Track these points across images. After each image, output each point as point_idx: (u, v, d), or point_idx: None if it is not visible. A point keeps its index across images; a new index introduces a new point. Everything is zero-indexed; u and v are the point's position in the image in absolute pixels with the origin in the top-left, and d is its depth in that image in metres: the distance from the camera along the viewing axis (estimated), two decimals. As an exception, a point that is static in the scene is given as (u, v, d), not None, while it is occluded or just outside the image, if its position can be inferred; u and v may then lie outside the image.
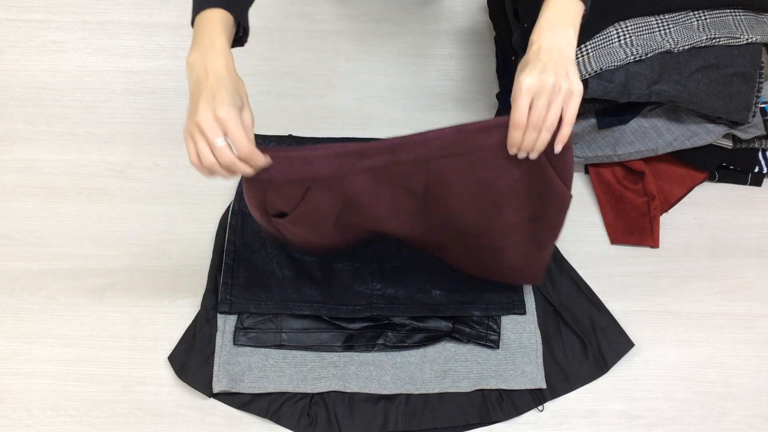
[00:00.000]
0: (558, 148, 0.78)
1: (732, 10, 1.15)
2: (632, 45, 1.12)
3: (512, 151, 0.79)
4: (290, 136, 1.30)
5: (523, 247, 0.97)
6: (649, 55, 1.12)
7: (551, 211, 0.90)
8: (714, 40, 1.13)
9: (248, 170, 0.75)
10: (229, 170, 0.73)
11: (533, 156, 0.79)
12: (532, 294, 1.15)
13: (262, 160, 0.75)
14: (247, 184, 0.81)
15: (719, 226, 1.25)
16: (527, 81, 0.74)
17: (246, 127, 0.73)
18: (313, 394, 1.08)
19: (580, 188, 1.29)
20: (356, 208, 0.86)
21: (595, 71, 1.11)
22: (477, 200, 0.85)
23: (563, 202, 0.88)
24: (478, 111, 1.37)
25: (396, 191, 0.85)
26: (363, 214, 0.87)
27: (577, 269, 1.19)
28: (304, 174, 0.80)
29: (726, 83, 1.14)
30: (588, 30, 1.14)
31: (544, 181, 0.84)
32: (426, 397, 1.08)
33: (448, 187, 0.84)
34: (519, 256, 1.00)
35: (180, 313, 1.16)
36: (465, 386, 1.08)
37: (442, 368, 1.09)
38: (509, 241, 0.94)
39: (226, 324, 1.11)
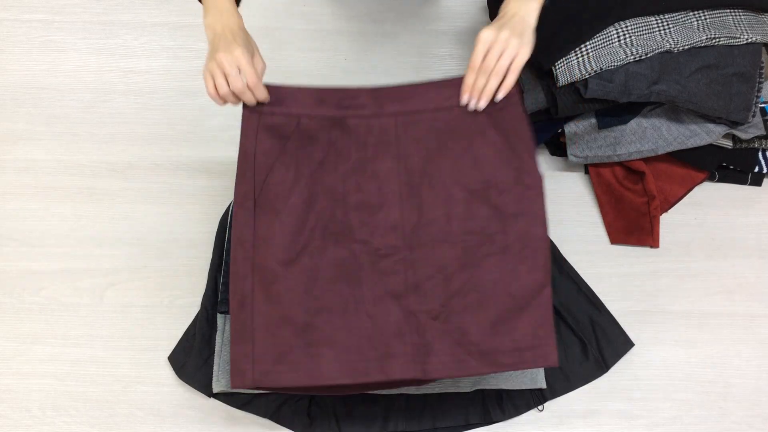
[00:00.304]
0: (500, 94, 0.91)
1: (732, 10, 1.16)
2: (632, 45, 1.12)
3: (464, 97, 0.92)
4: None
5: (512, 262, 0.90)
6: (649, 55, 1.12)
7: (527, 197, 0.91)
8: (714, 40, 1.13)
9: (252, 99, 0.91)
10: (238, 97, 0.90)
11: (482, 104, 0.91)
12: (532, 294, 1.14)
13: (264, 92, 0.92)
14: (246, 121, 0.94)
15: (719, 226, 1.25)
16: (485, 34, 0.89)
17: (256, 68, 0.90)
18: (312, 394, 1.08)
19: (580, 188, 1.29)
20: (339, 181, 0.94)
21: (595, 71, 1.11)
22: (457, 168, 0.93)
23: (534, 179, 0.92)
24: (478, 111, 1.37)
25: (379, 143, 0.94)
26: (348, 193, 0.94)
27: (577, 269, 1.19)
28: (292, 105, 0.95)
29: (726, 83, 1.15)
30: (588, 30, 1.14)
31: (511, 152, 0.93)
32: (426, 397, 1.08)
33: (425, 158, 0.94)
34: (514, 272, 0.90)
35: (180, 313, 1.16)
36: (465, 386, 1.08)
37: (442, 368, 1.08)
38: (499, 247, 0.91)
39: (226, 324, 1.11)
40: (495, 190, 0.92)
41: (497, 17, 0.92)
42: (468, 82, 0.91)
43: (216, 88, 0.89)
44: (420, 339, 0.89)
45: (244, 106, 0.93)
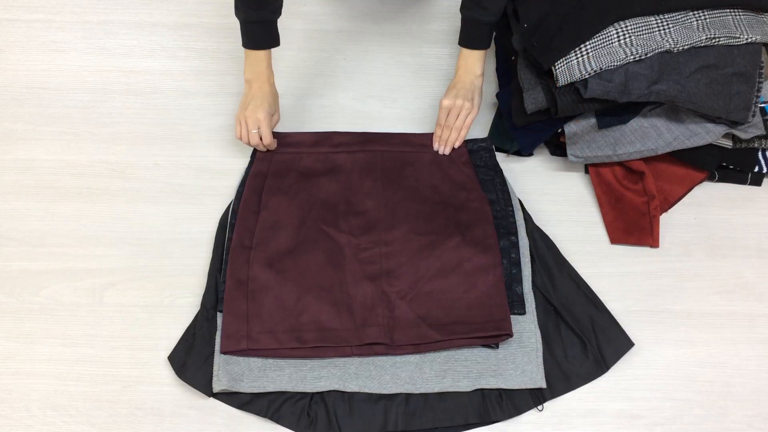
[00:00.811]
0: (457, 143, 1.26)
1: (732, 10, 1.16)
2: (632, 45, 1.12)
3: (435, 145, 1.27)
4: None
5: (468, 253, 1.15)
6: (648, 55, 1.12)
7: (476, 209, 1.20)
8: (713, 40, 1.13)
9: (264, 149, 1.25)
10: (256, 146, 1.23)
11: (447, 150, 1.26)
12: (531, 294, 1.15)
13: (274, 145, 1.26)
14: (261, 154, 1.26)
15: (719, 225, 1.25)
16: (446, 102, 1.23)
17: (273, 123, 1.23)
18: (312, 394, 1.08)
19: (580, 188, 1.29)
20: (333, 180, 1.24)
21: (595, 71, 1.11)
22: (422, 190, 1.23)
23: (480, 199, 1.21)
24: (478, 111, 1.37)
25: (362, 169, 1.25)
26: (339, 187, 1.23)
27: (577, 269, 1.19)
28: (296, 146, 1.28)
29: (726, 83, 1.15)
30: (587, 30, 1.14)
31: (463, 183, 1.23)
32: (426, 397, 1.08)
33: (400, 173, 1.25)
34: (469, 260, 1.14)
35: (180, 313, 1.16)
36: (465, 386, 1.08)
37: (441, 367, 1.09)
38: (456, 243, 1.16)
39: (226, 324, 1.12)
40: (452, 207, 1.20)
41: (452, 83, 1.24)
42: (437, 134, 1.26)
43: (241, 135, 1.21)
44: (390, 313, 1.11)
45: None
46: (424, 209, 1.20)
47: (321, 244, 1.17)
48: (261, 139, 1.21)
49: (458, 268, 1.14)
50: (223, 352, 1.08)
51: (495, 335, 1.09)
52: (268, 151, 1.26)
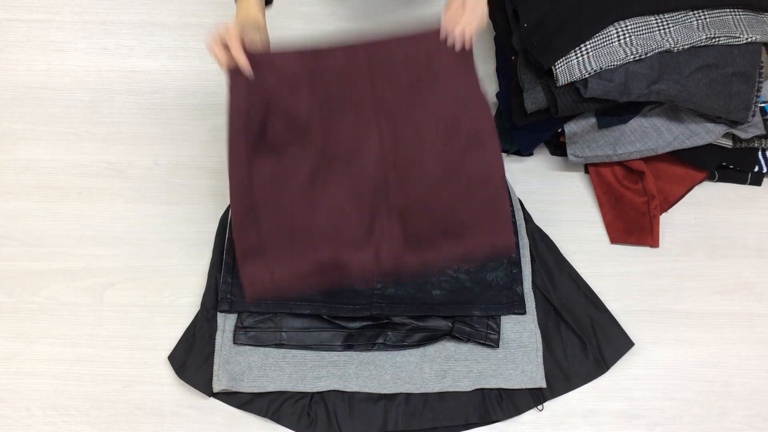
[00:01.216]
0: (474, 35, 1.02)
1: (731, 10, 1.16)
2: (632, 44, 1.12)
3: (443, 32, 1.04)
4: None
5: (481, 153, 1.03)
6: (648, 55, 1.12)
7: (475, 119, 1.03)
8: (713, 40, 1.13)
9: (234, 66, 0.99)
10: (222, 61, 0.99)
11: (467, 35, 1.02)
12: (532, 293, 1.15)
13: (238, 49, 0.98)
14: (234, 78, 1.01)
15: (719, 225, 1.25)
16: None
17: (253, 41, 1.00)
18: (313, 394, 1.08)
19: (580, 188, 1.29)
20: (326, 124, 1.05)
21: (595, 70, 1.11)
22: (413, 80, 1.04)
23: (479, 102, 1.03)
24: (478, 111, 1.37)
25: (352, 105, 1.04)
26: (335, 137, 1.04)
27: (577, 269, 1.19)
28: (274, 59, 1.02)
29: (726, 83, 1.15)
30: (588, 30, 1.14)
31: (463, 81, 1.04)
32: (426, 397, 1.08)
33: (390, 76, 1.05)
34: (466, 180, 1.03)
35: (180, 313, 1.16)
36: (465, 385, 1.08)
37: (441, 367, 1.09)
38: (463, 145, 1.03)
39: (226, 323, 1.12)
40: (464, 114, 1.03)
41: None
42: (446, 22, 1.04)
43: (216, 55, 0.99)
44: (389, 232, 1.02)
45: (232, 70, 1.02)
46: (425, 122, 1.05)
47: (323, 169, 1.05)
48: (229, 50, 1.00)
49: (461, 177, 1.04)
50: (250, 302, 1.08)
51: (499, 244, 1.02)
52: (244, 79, 1.02)
